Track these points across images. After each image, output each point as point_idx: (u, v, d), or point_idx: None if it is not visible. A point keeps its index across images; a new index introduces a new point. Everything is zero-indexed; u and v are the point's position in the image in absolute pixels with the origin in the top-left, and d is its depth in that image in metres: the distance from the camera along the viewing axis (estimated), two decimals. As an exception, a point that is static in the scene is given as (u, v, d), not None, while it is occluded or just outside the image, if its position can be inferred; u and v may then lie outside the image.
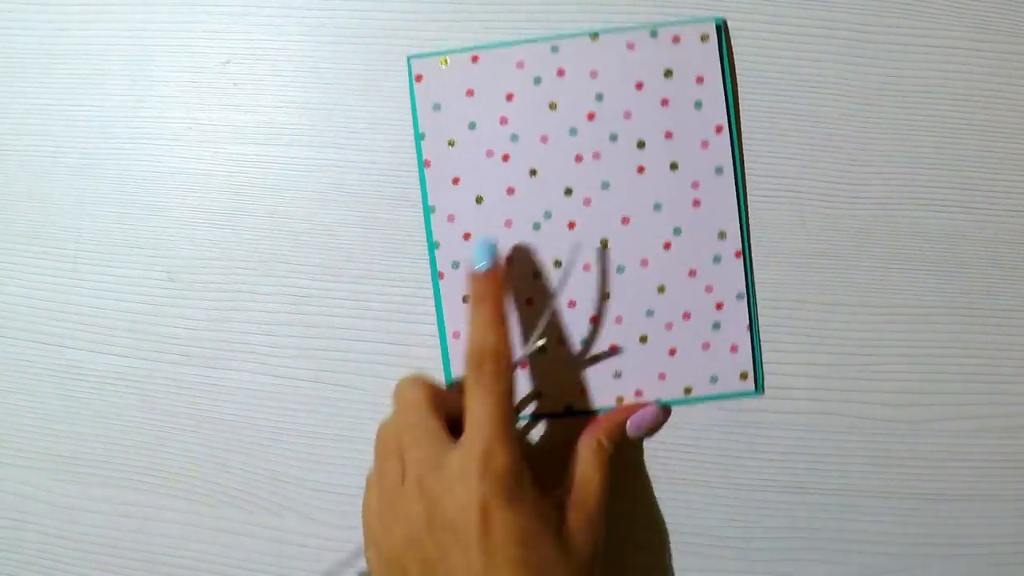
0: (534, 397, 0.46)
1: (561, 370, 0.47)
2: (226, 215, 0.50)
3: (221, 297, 0.49)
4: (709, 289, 0.46)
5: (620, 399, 0.46)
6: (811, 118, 0.45)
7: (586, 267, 0.46)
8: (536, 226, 0.46)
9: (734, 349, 0.46)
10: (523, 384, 0.46)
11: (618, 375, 0.46)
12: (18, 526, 0.51)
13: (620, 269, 0.46)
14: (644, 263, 0.46)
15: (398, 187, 0.48)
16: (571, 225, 0.46)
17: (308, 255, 0.49)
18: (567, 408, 0.47)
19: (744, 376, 0.46)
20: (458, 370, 0.47)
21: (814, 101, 0.45)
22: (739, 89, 0.45)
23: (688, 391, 0.46)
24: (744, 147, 0.45)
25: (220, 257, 0.50)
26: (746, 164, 0.45)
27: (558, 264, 0.46)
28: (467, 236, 0.46)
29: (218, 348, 0.50)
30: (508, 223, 0.46)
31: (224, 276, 0.49)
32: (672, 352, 0.46)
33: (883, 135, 0.44)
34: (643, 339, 0.46)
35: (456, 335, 0.47)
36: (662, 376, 0.46)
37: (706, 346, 0.46)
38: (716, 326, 0.46)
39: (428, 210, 0.47)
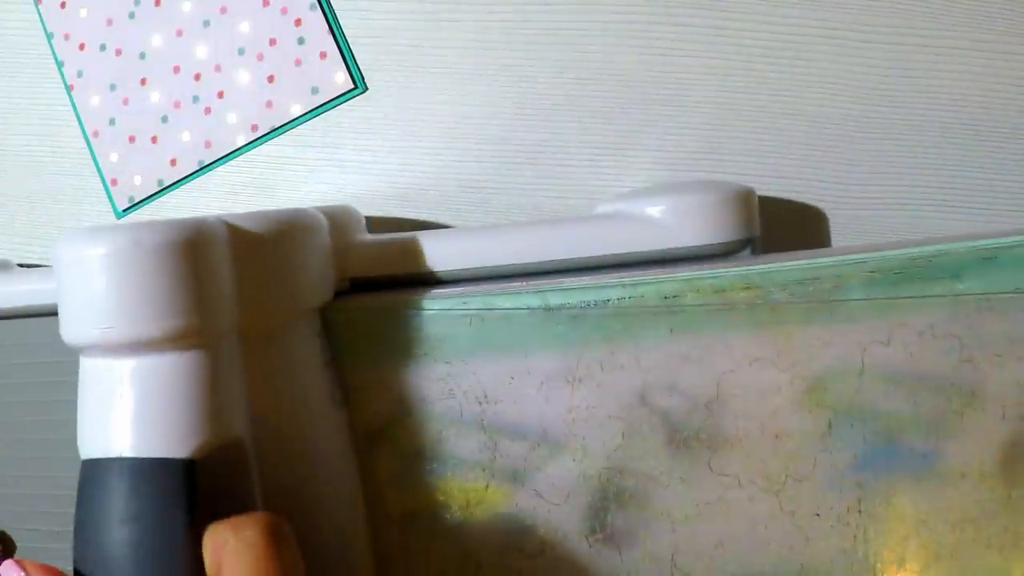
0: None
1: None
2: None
3: (221, 297, 0.49)
4: (284, 11, 0.47)
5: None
6: (811, 118, 0.45)
7: (179, 33, 0.49)
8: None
9: (323, 56, 0.47)
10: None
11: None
12: (18, 526, 0.51)
13: (206, 23, 0.49)
14: (223, 10, 0.48)
15: (398, 188, 0.48)
16: None
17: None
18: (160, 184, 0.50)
19: (341, 78, 0.48)
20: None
21: (814, 101, 0.45)
22: (739, 89, 0.45)
23: (298, 110, 0.48)
24: (744, 147, 0.45)
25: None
26: (745, 164, 0.45)
27: None
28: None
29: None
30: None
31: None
32: (271, 79, 0.48)
33: (883, 135, 0.44)
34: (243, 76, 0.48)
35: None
36: (270, 105, 0.48)
37: (298, 62, 0.47)
38: (301, 40, 0.47)
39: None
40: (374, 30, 0.48)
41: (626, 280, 0.34)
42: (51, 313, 0.30)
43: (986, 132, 0.44)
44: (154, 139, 0.50)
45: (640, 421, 0.35)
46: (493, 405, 0.35)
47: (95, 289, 0.26)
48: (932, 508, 0.34)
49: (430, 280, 0.37)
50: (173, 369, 0.27)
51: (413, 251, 0.37)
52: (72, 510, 0.29)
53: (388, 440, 0.36)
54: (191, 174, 0.49)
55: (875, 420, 0.34)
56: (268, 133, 0.48)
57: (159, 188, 0.50)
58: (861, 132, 0.44)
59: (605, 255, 0.36)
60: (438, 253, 0.37)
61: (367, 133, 0.48)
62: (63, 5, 0.51)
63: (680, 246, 0.36)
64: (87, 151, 0.51)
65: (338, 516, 0.35)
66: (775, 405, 0.34)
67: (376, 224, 0.46)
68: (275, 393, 0.31)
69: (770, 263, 0.34)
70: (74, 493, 0.28)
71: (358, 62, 0.48)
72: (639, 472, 0.35)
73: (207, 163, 0.49)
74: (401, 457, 0.36)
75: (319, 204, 0.38)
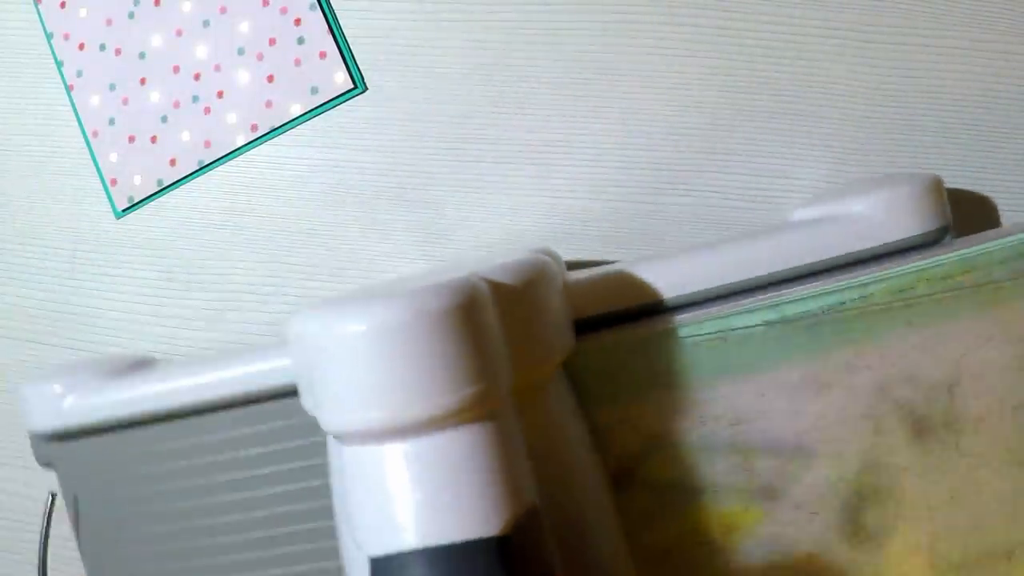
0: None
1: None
2: (226, 215, 0.50)
3: (221, 297, 0.49)
4: (284, 11, 0.48)
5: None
6: (811, 118, 0.45)
7: (178, 32, 0.49)
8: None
9: (323, 56, 0.47)
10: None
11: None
12: (18, 526, 0.51)
13: (206, 23, 0.49)
14: (223, 10, 0.48)
15: (398, 187, 0.48)
16: None
17: (308, 255, 0.49)
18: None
19: (340, 78, 0.48)
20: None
21: (814, 101, 0.45)
22: (740, 89, 0.45)
23: (298, 110, 0.48)
24: (744, 147, 0.45)
25: (220, 257, 0.50)
26: (745, 164, 0.45)
27: None
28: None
29: (218, 348, 0.50)
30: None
31: (224, 276, 0.49)
32: (271, 79, 0.48)
33: (883, 135, 0.44)
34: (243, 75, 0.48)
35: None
36: (269, 104, 0.48)
37: (297, 62, 0.47)
38: (301, 41, 0.47)
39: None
40: (374, 30, 0.47)
41: (855, 281, 0.35)
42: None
43: (986, 132, 0.44)
44: (154, 139, 0.50)
45: (885, 417, 0.35)
46: (745, 425, 0.35)
47: (368, 369, 0.24)
48: None
49: (653, 310, 0.36)
50: (468, 443, 0.25)
51: (632, 283, 0.36)
52: None
53: (640, 476, 0.36)
54: (191, 174, 0.49)
55: None
56: (268, 133, 0.48)
57: (159, 188, 0.50)
58: (863, 132, 0.44)
59: (820, 260, 0.36)
60: (657, 281, 0.36)
61: (367, 133, 0.48)
62: (63, 5, 0.51)
63: (889, 240, 0.36)
64: (87, 151, 0.51)
65: (613, 563, 0.34)
66: (1011, 379, 0.35)
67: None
68: (550, 450, 0.30)
69: (984, 244, 0.35)
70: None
71: (358, 62, 0.48)
72: (891, 466, 0.35)
73: (207, 163, 0.49)
74: (655, 492, 0.36)
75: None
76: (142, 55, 0.50)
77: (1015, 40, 0.43)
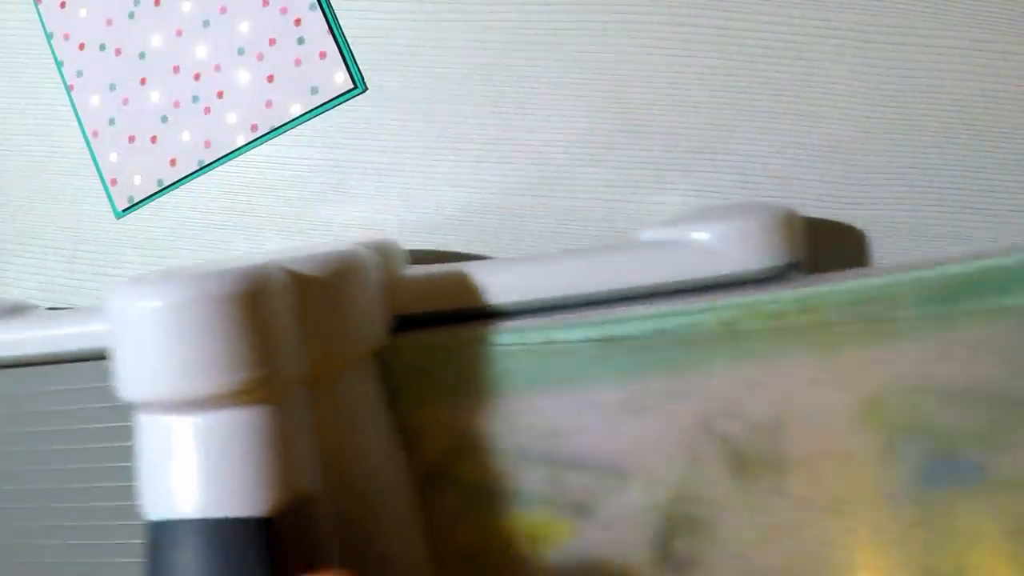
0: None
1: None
2: (226, 215, 0.50)
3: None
4: (284, 11, 0.48)
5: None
6: (811, 118, 0.45)
7: (178, 32, 0.49)
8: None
9: (323, 56, 0.47)
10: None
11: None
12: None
13: (206, 23, 0.49)
14: (223, 10, 0.48)
15: (396, 187, 0.48)
16: None
17: (307, 255, 0.49)
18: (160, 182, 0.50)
19: (340, 78, 0.48)
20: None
21: (814, 101, 0.45)
22: (740, 89, 0.45)
23: (298, 110, 0.48)
24: (744, 147, 0.45)
25: (220, 258, 0.50)
26: (745, 164, 0.45)
27: None
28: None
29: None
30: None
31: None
32: (271, 79, 0.48)
33: (883, 135, 0.44)
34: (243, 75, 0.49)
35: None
36: (269, 104, 0.48)
37: (297, 62, 0.48)
38: (301, 41, 0.47)
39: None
40: (374, 30, 0.48)
41: (685, 308, 0.35)
42: (85, 359, 0.29)
43: (986, 132, 0.44)
44: (154, 139, 0.50)
45: (704, 448, 0.35)
46: (558, 439, 0.35)
47: (158, 344, 0.25)
48: (989, 518, 0.34)
49: (481, 314, 0.36)
50: (246, 424, 0.26)
51: (463, 285, 0.36)
52: (111, 560, 0.28)
53: (452, 478, 0.36)
54: (191, 174, 0.49)
55: (933, 435, 0.34)
56: (268, 133, 0.48)
57: (159, 188, 0.50)
58: (862, 132, 0.44)
59: (658, 283, 0.36)
60: (488, 285, 0.36)
61: (367, 133, 0.48)
62: (63, 5, 0.51)
63: (731, 271, 0.36)
64: (87, 151, 0.51)
65: (403, 560, 0.34)
66: (836, 426, 0.35)
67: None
68: (342, 442, 0.31)
69: (824, 285, 0.34)
70: (118, 544, 0.27)
71: (358, 62, 0.48)
72: (705, 499, 0.35)
73: (207, 163, 0.49)
74: (465, 494, 0.36)
75: (360, 237, 0.37)
76: (142, 55, 0.50)
77: (1015, 40, 0.43)
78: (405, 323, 0.36)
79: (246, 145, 0.49)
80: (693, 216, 0.40)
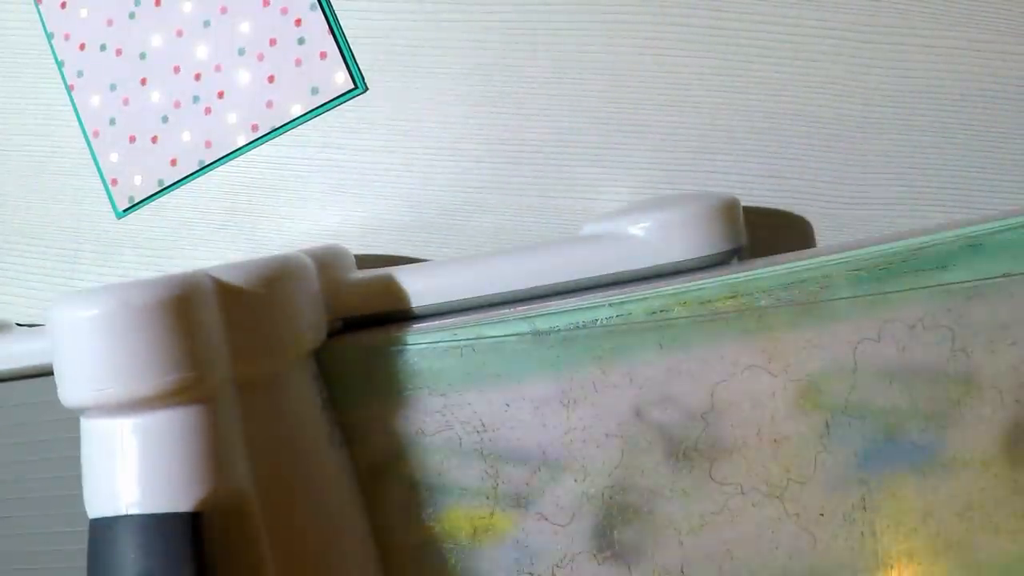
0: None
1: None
2: (226, 215, 0.50)
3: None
4: (285, 11, 0.48)
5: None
6: (811, 118, 0.45)
7: (179, 33, 0.49)
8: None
9: (323, 56, 0.47)
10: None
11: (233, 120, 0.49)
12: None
13: (207, 23, 0.49)
14: (224, 10, 0.49)
15: (396, 187, 0.48)
16: None
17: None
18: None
19: (341, 78, 0.48)
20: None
21: (814, 101, 0.45)
22: (737, 89, 0.45)
23: (298, 110, 0.48)
24: (742, 147, 0.45)
25: (220, 258, 0.50)
26: (745, 164, 0.45)
27: None
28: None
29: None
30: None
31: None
32: (271, 79, 0.48)
33: (883, 135, 0.44)
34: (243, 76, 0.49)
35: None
36: (270, 105, 0.48)
37: (298, 62, 0.48)
38: (301, 41, 0.48)
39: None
40: (374, 30, 0.48)
41: (612, 299, 0.35)
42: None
43: (984, 132, 0.44)
44: (154, 139, 0.50)
45: (638, 437, 0.35)
46: (491, 433, 0.35)
47: (89, 351, 0.27)
48: (937, 499, 0.34)
49: (421, 314, 0.37)
50: (172, 425, 0.27)
51: (400, 287, 0.37)
52: (69, 565, 0.29)
53: (392, 474, 0.36)
54: (191, 174, 0.49)
55: (873, 417, 0.34)
56: (268, 133, 0.48)
57: (159, 188, 0.50)
58: (860, 132, 0.44)
59: (593, 276, 0.37)
60: (426, 287, 0.37)
61: (367, 133, 0.48)
62: (63, 5, 0.51)
63: (667, 262, 0.36)
64: (87, 151, 0.51)
65: (350, 556, 0.35)
66: (771, 410, 0.35)
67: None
68: (276, 441, 0.32)
69: (753, 270, 0.35)
70: (75, 549, 0.28)
71: (358, 62, 0.48)
72: (641, 487, 0.35)
73: (207, 163, 0.49)
74: (406, 490, 0.36)
75: (307, 245, 0.38)
76: (143, 55, 0.50)
77: (1013, 40, 0.43)
78: (352, 325, 0.37)
79: (246, 145, 0.49)
80: (634, 208, 0.40)
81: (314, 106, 0.48)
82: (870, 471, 0.35)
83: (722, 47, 0.45)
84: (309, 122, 0.48)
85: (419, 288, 0.37)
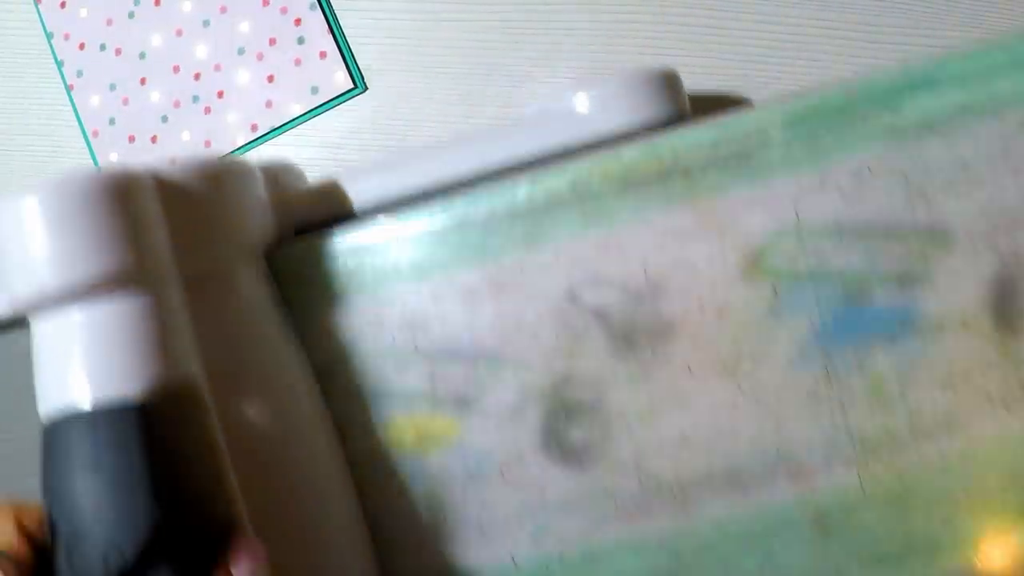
0: None
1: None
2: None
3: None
4: (284, 11, 0.48)
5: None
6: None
7: (179, 32, 0.49)
8: None
9: (323, 56, 0.48)
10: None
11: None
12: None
13: (206, 23, 0.49)
14: (223, 9, 0.49)
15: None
16: None
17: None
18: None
19: (341, 78, 0.48)
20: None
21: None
22: (737, 89, 0.45)
23: (298, 110, 0.48)
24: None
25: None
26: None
27: None
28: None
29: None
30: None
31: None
32: (271, 79, 0.48)
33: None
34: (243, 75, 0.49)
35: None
36: (269, 104, 0.48)
37: (298, 62, 0.48)
38: (301, 40, 0.48)
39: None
40: (374, 30, 0.47)
41: (533, 176, 0.33)
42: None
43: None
44: (154, 139, 0.50)
45: (573, 321, 0.33)
46: (423, 329, 0.34)
47: (30, 243, 0.27)
48: (914, 370, 0.31)
49: (364, 214, 0.36)
50: (116, 315, 0.27)
51: (342, 190, 0.37)
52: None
53: (336, 383, 0.35)
54: (191, 174, 0.49)
55: (828, 280, 0.31)
56: (268, 133, 0.48)
57: (159, 188, 0.50)
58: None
59: (533, 154, 0.35)
60: (367, 185, 0.36)
61: (367, 133, 0.48)
62: (63, 5, 0.51)
63: (604, 131, 0.35)
64: (87, 151, 0.51)
65: (310, 448, 0.34)
66: (710, 279, 0.32)
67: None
68: (227, 335, 0.32)
69: (676, 132, 0.32)
70: None
71: (358, 62, 0.48)
72: (584, 376, 0.33)
73: (207, 163, 0.49)
74: (350, 398, 0.35)
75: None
76: (142, 55, 0.50)
77: (1017, 40, 0.43)
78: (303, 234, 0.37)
79: (246, 145, 0.49)
80: (571, 84, 0.38)
81: (314, 105, 0.48)
82: (833, 342, 0.32)
83: (722, 47, 0.45)
84: (309, 122, 0.48)
85: (360, 188, 0.36)
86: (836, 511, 0.32)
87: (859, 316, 0.31)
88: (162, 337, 0.28)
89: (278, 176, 0.37)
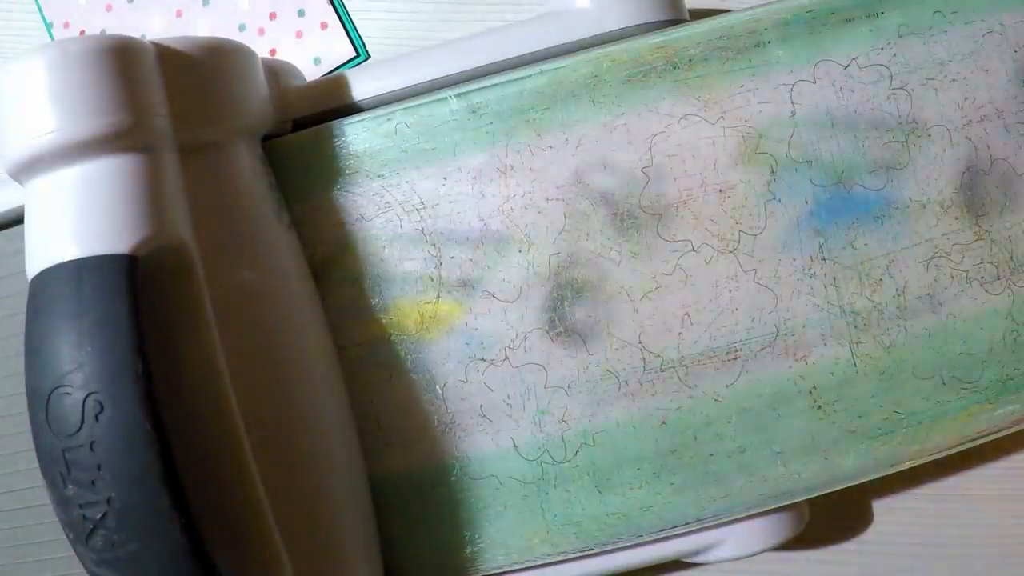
0: None
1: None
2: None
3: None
4: None
5: None
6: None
7: (178, 14, 0.50)
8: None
9: (324, 27, 0.48)
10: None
11: None
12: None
13: (206, 2, 0.49)
14: None
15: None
16: None
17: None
18: None
19: (343, 47, 0.48)
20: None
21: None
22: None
23: None
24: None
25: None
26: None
27: None
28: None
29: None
30: None
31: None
32: (273, 53, 0.48)
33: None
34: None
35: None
36: None
37: (299, 34, 0.48)
38: (301, 13, 0.48)
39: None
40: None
41: (544, 67, 0.35)
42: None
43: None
44: None
45: (580, 200, 0.35)
46: (430, 209, 0.35)
47: (29, 98, 0.27)
48: (899, 247, 0.35)
49: (366, 107, 0.37)
50: (110, 171, 0.28)
51: (344, 82, 0.38)
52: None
53: (338, 270, 0.36)
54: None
55: (819, 163, 0.35)
56: (271, 106, 0.49)
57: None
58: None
59: (537, 51, 0.37)
60: (369, 77, 0.37)
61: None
62: None
63: (608, 30, 0.37)
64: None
65: (303, 340, 0.34)
66: (712, 159, 0.35)
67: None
68: (220, 205, 0.32)
69: (682, 28, 0.35)
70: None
71: (359, 31, 0.49)
72: (589, 253, 0.35)
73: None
74: (352, 285, 0.36)
75: None
76: (143, 39, 0.51)
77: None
78: (302, 128, 0.37)
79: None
80: None
81: (317, 76, 0.49)
82: (825, 221, 0.35)
83: None
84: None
85: (363, 80, 0.37)
86: (830, 386, 0.34)
87: (849, 199, 0.35)
88: (155, 197, 0.28)
89: (279, 72, 0.38)
